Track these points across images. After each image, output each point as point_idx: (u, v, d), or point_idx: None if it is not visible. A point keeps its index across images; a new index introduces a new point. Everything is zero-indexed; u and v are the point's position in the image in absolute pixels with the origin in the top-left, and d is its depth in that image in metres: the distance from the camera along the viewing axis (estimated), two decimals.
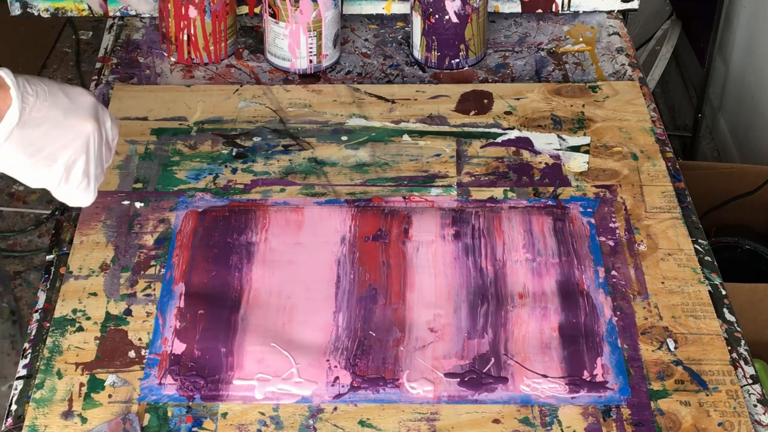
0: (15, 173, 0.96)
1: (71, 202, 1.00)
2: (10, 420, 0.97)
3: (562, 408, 0.97)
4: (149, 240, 1.13)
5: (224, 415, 0.96)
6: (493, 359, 1.00)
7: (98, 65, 1.39)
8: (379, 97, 1.32)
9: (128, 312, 1.05)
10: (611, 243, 1.12)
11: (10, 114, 0.92)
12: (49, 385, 0.98)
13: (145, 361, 1.00)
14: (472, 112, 1.29)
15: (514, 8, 1.47)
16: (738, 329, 1.04)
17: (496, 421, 0.96)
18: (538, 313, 1.05)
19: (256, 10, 1.46)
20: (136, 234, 1.13)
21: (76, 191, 0.99)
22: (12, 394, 0.99)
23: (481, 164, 1.22)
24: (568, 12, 1.47)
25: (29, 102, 0.93)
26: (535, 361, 1.00)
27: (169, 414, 0.96)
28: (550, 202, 1.17)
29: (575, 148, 1.24)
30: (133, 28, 1.44)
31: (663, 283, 1.08)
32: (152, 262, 1.10)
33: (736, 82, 2.36)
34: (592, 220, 1.15)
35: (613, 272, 1.09)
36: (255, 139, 1.25)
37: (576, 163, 1.22)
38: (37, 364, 1.01)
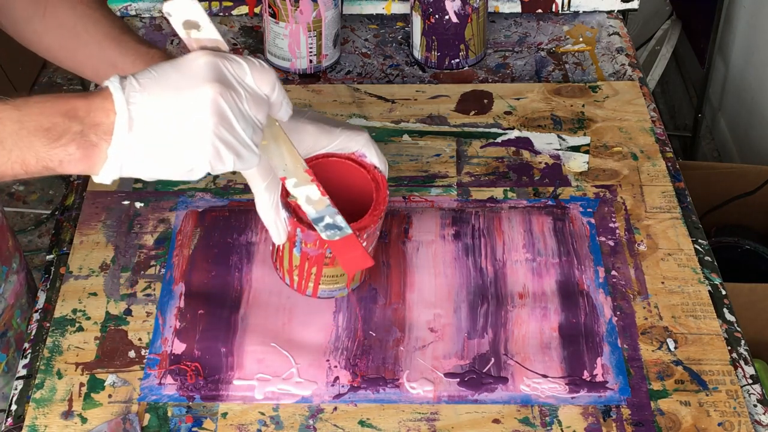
0: (157, 173, 0.83)
1: (243, 169, 0.86)
2: (10, 420, 0.97)
3: (562, 408, 0.97)
4: (149, 240, 1.13)
5: (224, 415, 0.96)
6: (493, 359, 1.00)
7: None
8: (379, 97, 1.32)
9: (128, 312, 1.05)
10: (611, 243, 1.12)
11: (119, 125, 0.80)
12: (49, 385, 0.98)
13: (145, 361, 1.00)
14: (472, 112, 1.29)
15: (514, 8, 1.47)
16: (738, 329, 1.04)
17: (496, 421, 0.96)
18: (538, 313, 1.04)
19: (256, 10, 1.46)
20: (136, 234, 1.13)
21: (234, 161, 0.83)
22: (12, 394, 0.99)
23: (481, 164, 1.22)
24: (568, 12, 1.47)
25: (137, 100, 0.80)
26: (535, 361, 1.00)
27: (169, 414, 0.96)
28: (550, 202, 1.17)
29: (575, 148, 1.24)
30: (133, 28, 1.44)
31: (663, 283, 1.08)
32: (152, 262, 1.10)
33: (736, 82, 2.36)
34: (592, 220, 1.15)
35: (613, 272, 1.09)
36: None
37: (576, 163, 1.22)
38: (37, 364, 1.01)
